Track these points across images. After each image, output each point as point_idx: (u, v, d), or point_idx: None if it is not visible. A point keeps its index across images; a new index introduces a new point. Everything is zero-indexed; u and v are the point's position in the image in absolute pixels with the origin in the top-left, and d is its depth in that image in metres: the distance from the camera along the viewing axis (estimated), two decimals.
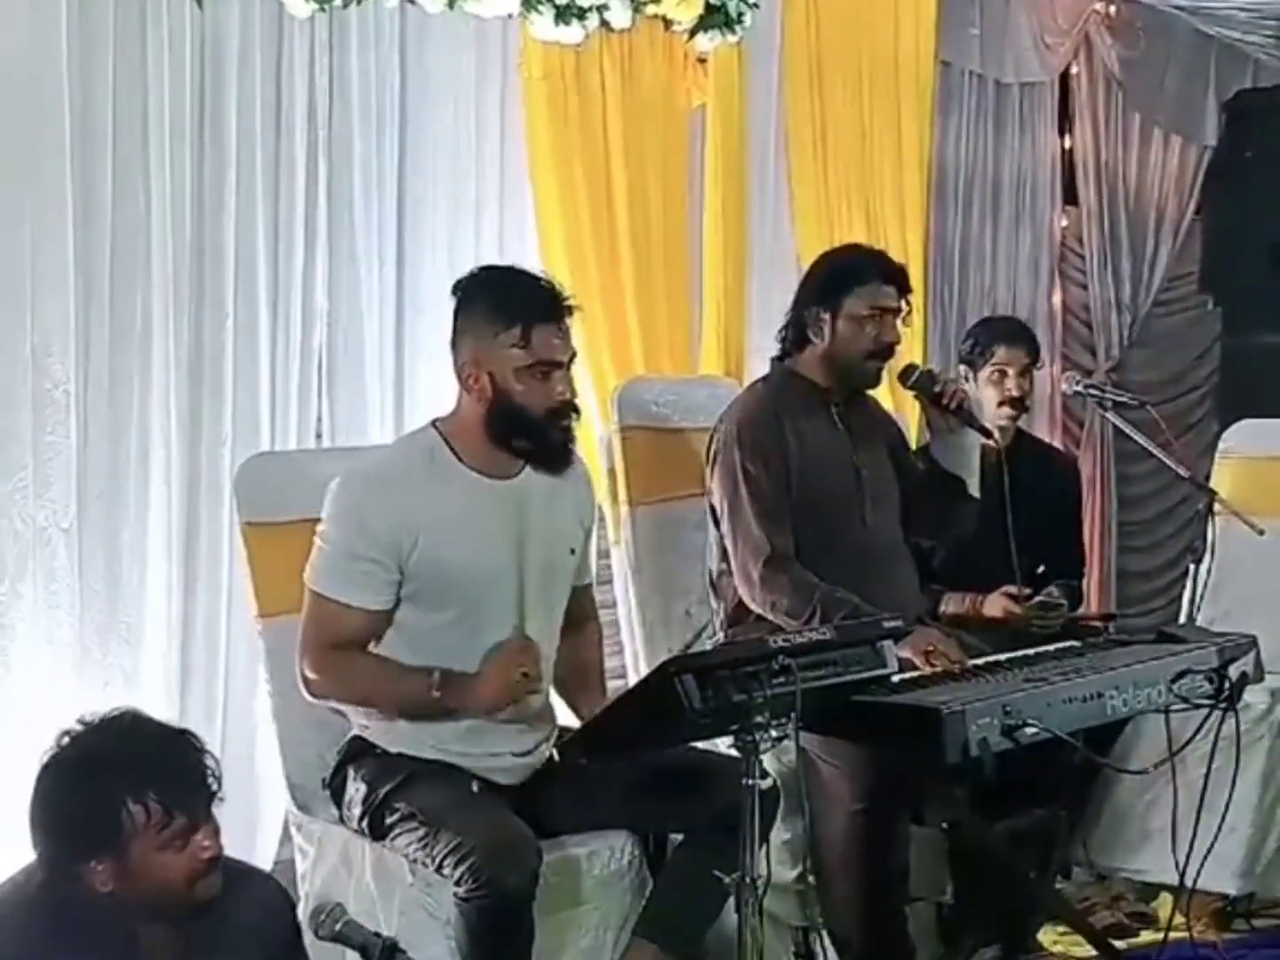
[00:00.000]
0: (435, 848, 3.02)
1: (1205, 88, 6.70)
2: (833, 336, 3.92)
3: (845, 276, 3.95)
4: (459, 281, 3.31)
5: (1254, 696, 4.42)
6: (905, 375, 4.00)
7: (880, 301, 3.93)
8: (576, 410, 3.32)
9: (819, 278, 4.02)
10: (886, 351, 3.95)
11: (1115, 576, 6.42)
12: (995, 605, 4.39)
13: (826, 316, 3.91)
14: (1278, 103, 6.33)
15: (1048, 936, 4.27)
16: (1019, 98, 6.29)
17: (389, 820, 3.17)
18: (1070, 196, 6.50)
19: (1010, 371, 4.63)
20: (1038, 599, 4.42)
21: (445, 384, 3.41)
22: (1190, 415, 6.33)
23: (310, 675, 3.22)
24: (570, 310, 3.26)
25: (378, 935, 2.47)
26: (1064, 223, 6.49)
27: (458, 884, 2.96)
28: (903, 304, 3.98)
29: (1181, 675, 3.68)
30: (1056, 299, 6.42)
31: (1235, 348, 6.36)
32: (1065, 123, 6.46)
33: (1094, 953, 4.16)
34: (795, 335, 3.99)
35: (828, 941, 3.60)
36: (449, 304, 3.31)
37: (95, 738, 2.43)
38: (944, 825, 3.85)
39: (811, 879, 3.68)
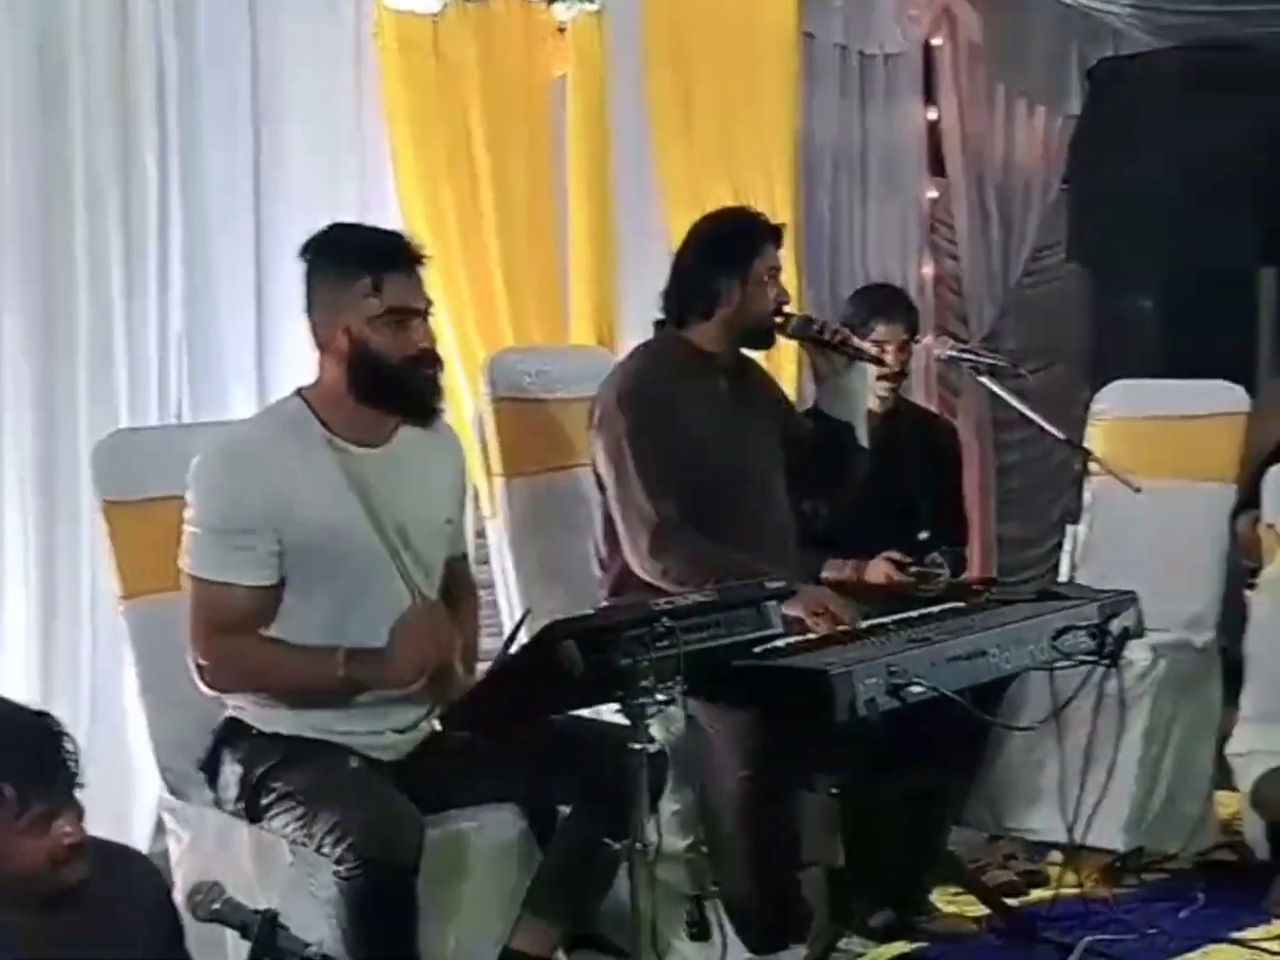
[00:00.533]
0: (314, 827, 2.94)
1: (1068, 57, 6.74)
2: (742, 300, 3.89)
3: (749, 240, 3.93)
4: (306, 243, 3.24)
5: (1136, 654, 4.44)
6: (784, 325, 3.98)
7: (776, 261, 3.96)
8: (439, 360, 3.25)
9: (719, 242, 3.98)
10: (783, 310, 3.95)
11: (995, 544, 6.43)
12: (877, 571, 4.38)
13: (736, 281, 3.88)
14: (1139, 70, 6.38)
15: (941, 897, 4.24)
16: (883, 69, 6.29)
17: (266, 801, 3.08)
18: (938, 168, 6.50)
19: (889, 347, 4.61)
20: (919, 566, 4.41)
21: (308, 361, 3.32)
22: (1064, 381, 6.33)
23: (204, 664, 3.12)
24: (421, 259, 3.21)
25: (257, 912, 2.37)
26: (933, 194, 6.49)
27: (339, 862, 2.88)
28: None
29: (1064, 631, 3.72)
30: (928, 270, 6.41)
31: (1105, 313, 6.40)
32: (931, 94, 6.45)
33: (987, 912, 4.16)
34: (698, 302, 3.93)
35: (722, 910, 3.54)
36: None
37: None
38: (833, 790, 3.82)
39: (703, 848, 3.64)
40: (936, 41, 6.45)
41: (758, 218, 4.04)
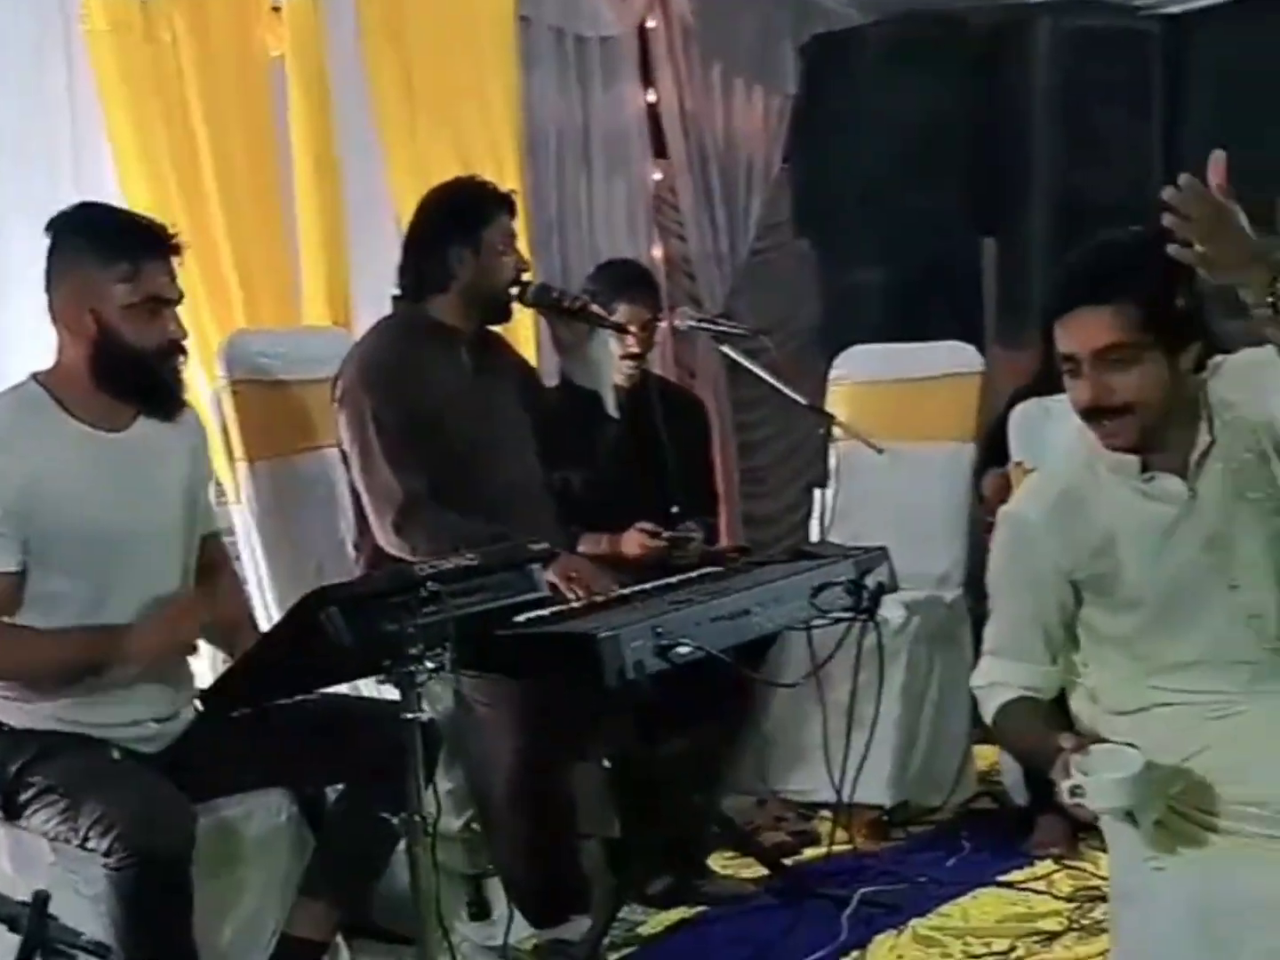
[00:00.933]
0: (79, 820, 2.82)
1: (781, 36, 6.80)
2: (476, 270, 3.85)
3: (479, 209, 3.89)
4: (54, 219, 3.10)
5: (890, 611, 4.50)
6: (522, 294, 3.93)
7: (509, 229, 3.92)
8: (185, 351, 3.15)
9: (449, 214, 3.92)
10: (521, 279, 3.92)
11: (741, 518, 6.46)
12: (631, 542, 4.35)
13: (468, 252, 3.84)
14: (850, 46, 6.47)
15: (717, 861, 4.25)
16: (599, 52, 6.27)
17: (24, 797, 2.93)
18: (661, 149, 6.51)
19: (632, 326, 4.58)
20: (671, 533, 4.40)
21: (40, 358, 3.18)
22: (799, 355, 6.37)
23: None
24: (179, 249, 3.12)
25: (23, 903, 2.21)
26: (657, 176, 6.49)
27: (107, 854, 2.76)
28: None
29: (821, 588, 3.75)
30: (657, 252, 6.39)
31: (834, 287, 6.49)
32: (650, 76, 6.46)
33: (764, 872, 4.16)
34: (433, 276, 3.87)
35: (501, 888, 3.48)
36: (32, 266, 3.12)
37: None
38: (605, 760, 3.78)
39: (475, 826, 3.57)
40: (651, 24, 6.45)
41: (486, 186, 4.00)
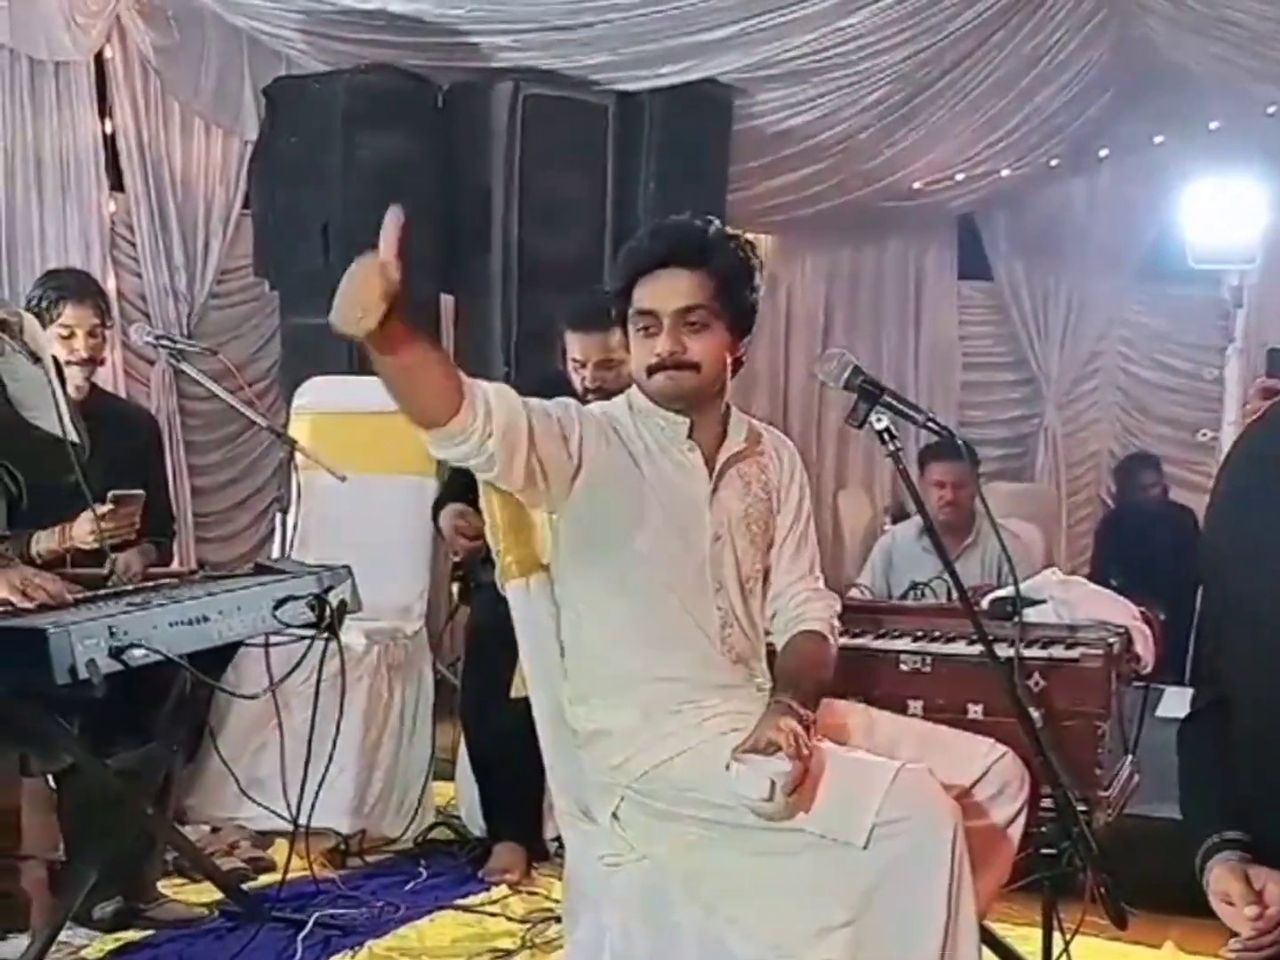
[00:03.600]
0: None
1: (241, 80, 6.73)
2: None
3: None
4: None
5: (352, 638, 4.45)
6: None
7: None
8: None
9: None
10: None
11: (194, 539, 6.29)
12: (82, 528, 4.12)
13: None
14: (308, 90, 6.43)
15: (169, 885, 4.05)
16: (55, 76, 6.06)
17: None
18: (119, 182, 6.31)
19: (79, 332, 4.39)
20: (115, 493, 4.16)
21: None
22: (262, 396, 6.26)
23: None
24: None
25: None
26: (112, 208, 6.29)
27: None
28: None
29: (284, 601, 3.72)
30: (111, 284, 6.19)
31: (296, 330, 6.40)
32: (107, 106, 6.27)
33: (218, 896, 4.02)
34: None
35: None
36: None
37: None
38: (49, 777, 3.57)
39: None
40: (109, 54, 6.28)
41: None
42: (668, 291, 2.94)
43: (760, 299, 3.05)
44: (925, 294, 9.82)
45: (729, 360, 3.01)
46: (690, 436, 3.02)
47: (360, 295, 2.51)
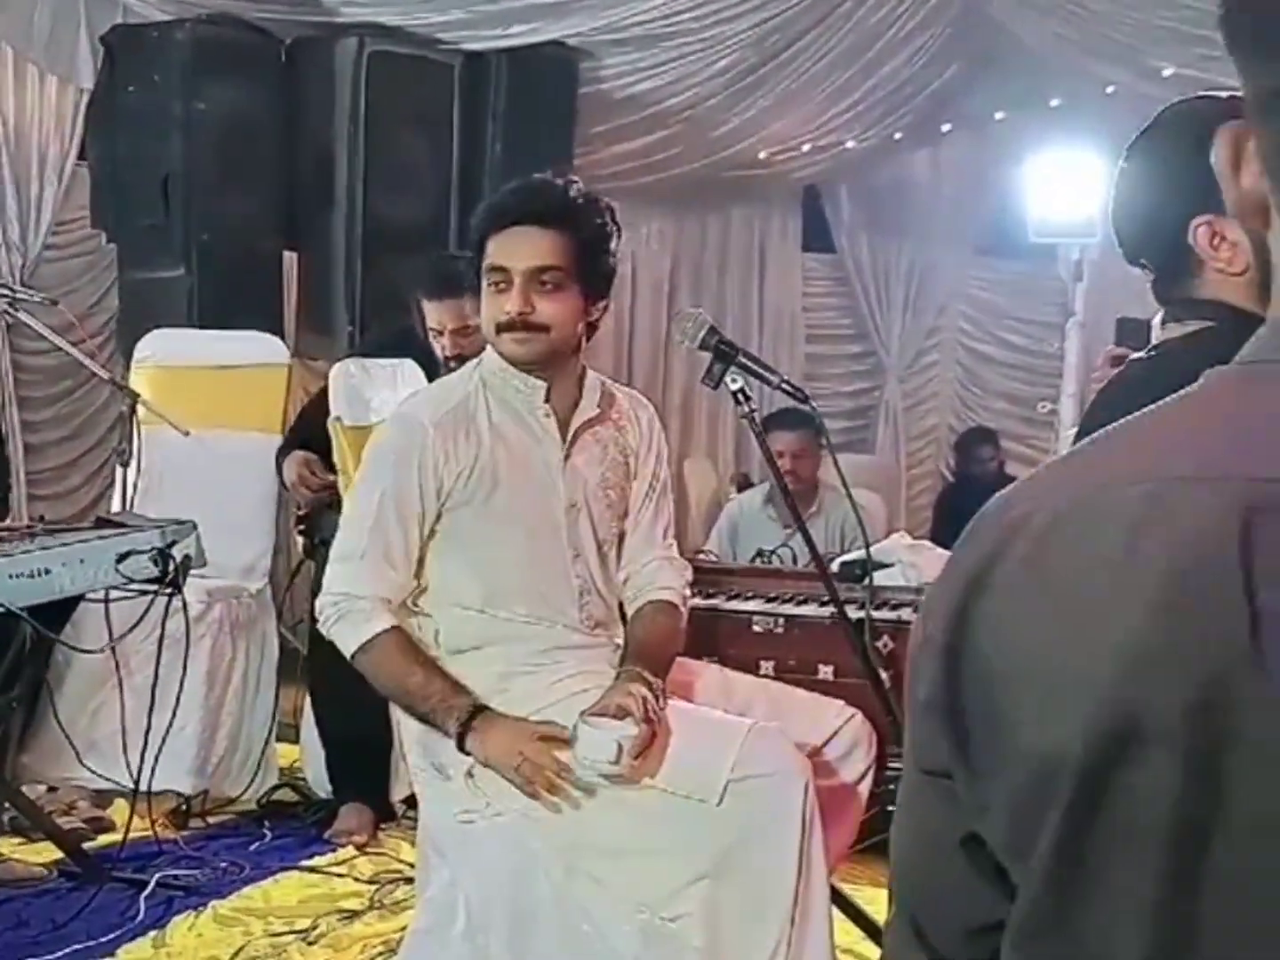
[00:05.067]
0: None
1: (77, 27, 6.52)
2: None
3: None
4: None
5: (193, 596, 4.35)
6: None
7: None
8: None
9: None
10: None
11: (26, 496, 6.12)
12: None
13: None
14: (154, 43, 6.26)
15: (5, 846, 3.95)
16: None
17: None
18: None
19: None
20: None
21: None
22: (100, 355, 6.09)
23: None
24: None
25: None
26: None
27: None
28: None
29: (127, 555, 3.66)
30: None
31: (134, 284, 6.24)
32: None
33: (57, 856, 3.92)
34: None
35: None
36: None
37: None
38: None
39: None
40: None
41: None
42: (522, 249, 2.90)
43: (616, 262, 3.03)
44: (769, 264, 9.86)
45: (582, 325, 2.98)
46: (546, 401, 2.99)
47: None
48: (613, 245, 2.98)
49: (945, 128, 9.07)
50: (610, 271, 2.99)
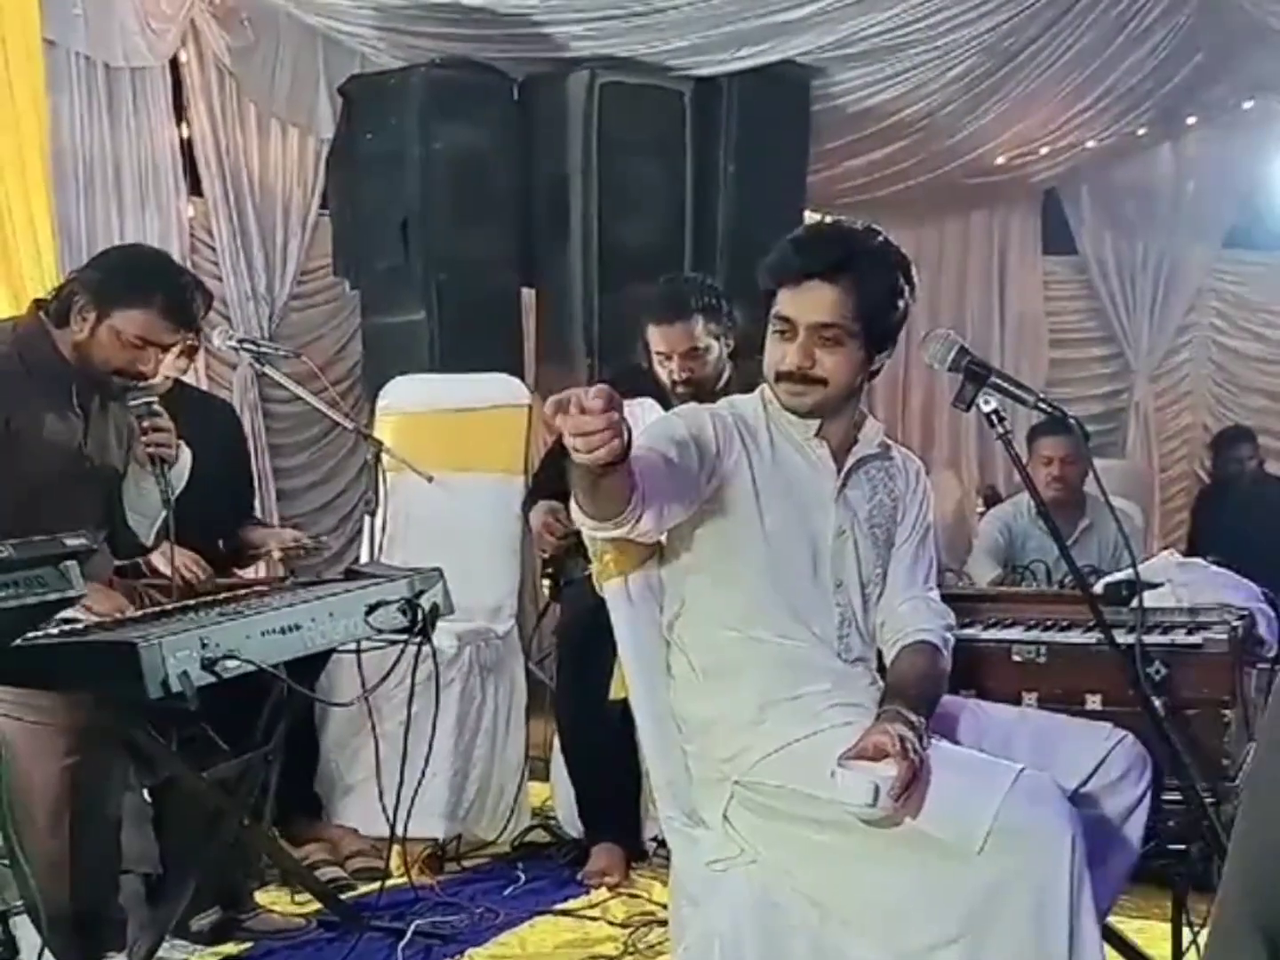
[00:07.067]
0: None
1: (316, 80, 6.70)
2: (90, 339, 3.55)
3: (129, 285, 3.54)
4: None
5: (443, 641, 4.39)
6: None
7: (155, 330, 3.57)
8: None
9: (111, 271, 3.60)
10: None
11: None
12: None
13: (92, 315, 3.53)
14: (385, 87, 6.39)
15: (267, 896, 4.02)
16: (131, 82, 6.04)
17: None
18: (197, 186, 6.30)
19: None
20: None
21: None
22: (344, 396, 6.23)
23: None
24: None
25: None
26: (191, 212, 6.27)
27: None
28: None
29: (376, 607, 3.65)
30: None
31: (376, 329, 6.36)
32: (183, 111, 6.26)
33: (316, 906, 3.97)
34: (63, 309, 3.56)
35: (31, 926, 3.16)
36: None
37: None
38: (146, 790, 3.54)
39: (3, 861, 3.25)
40: (184, 58, 6.26)
41: (174, 278, 3.68)
42: (807, 303, 2.86)
43: (904, 316, 2.95)
44: (1010, 270, 9.66)
45: (862, 376, 2.94)
46: (819, 435, 2.95)
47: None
48: (899, 300, 2.91)
49: (1190, 120, 8.78)
50: (898, 324, 2.93)
